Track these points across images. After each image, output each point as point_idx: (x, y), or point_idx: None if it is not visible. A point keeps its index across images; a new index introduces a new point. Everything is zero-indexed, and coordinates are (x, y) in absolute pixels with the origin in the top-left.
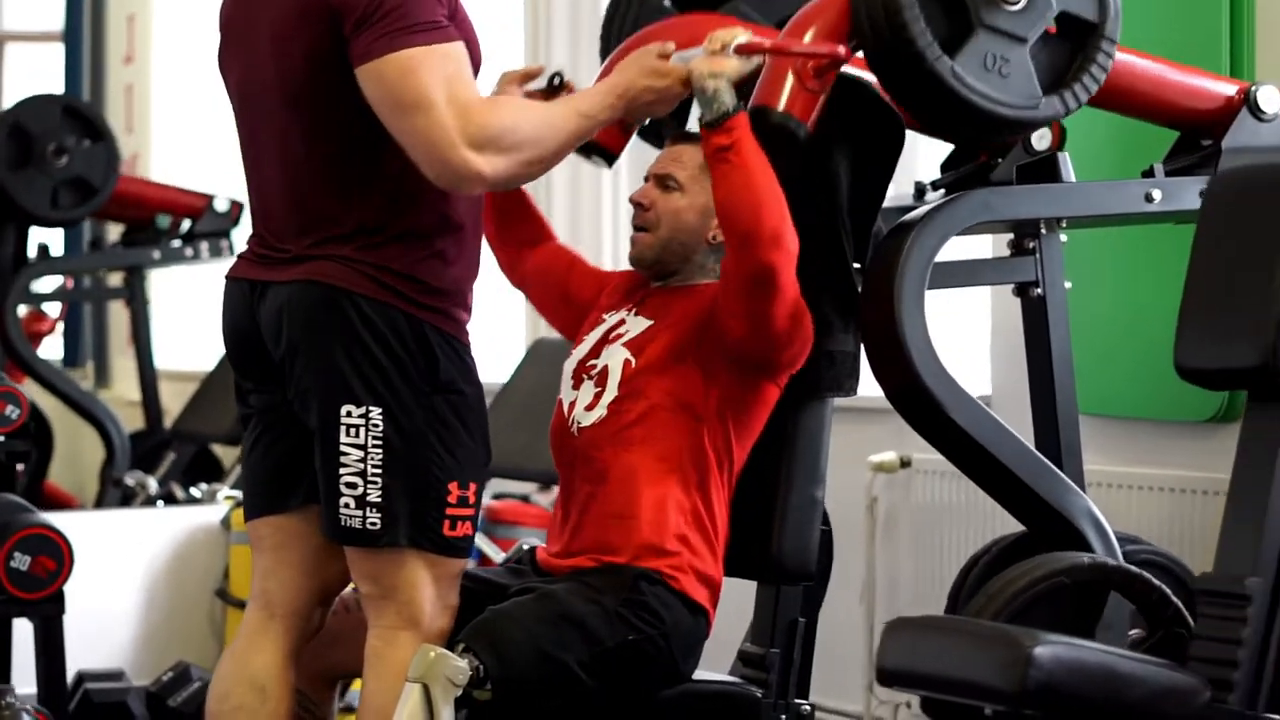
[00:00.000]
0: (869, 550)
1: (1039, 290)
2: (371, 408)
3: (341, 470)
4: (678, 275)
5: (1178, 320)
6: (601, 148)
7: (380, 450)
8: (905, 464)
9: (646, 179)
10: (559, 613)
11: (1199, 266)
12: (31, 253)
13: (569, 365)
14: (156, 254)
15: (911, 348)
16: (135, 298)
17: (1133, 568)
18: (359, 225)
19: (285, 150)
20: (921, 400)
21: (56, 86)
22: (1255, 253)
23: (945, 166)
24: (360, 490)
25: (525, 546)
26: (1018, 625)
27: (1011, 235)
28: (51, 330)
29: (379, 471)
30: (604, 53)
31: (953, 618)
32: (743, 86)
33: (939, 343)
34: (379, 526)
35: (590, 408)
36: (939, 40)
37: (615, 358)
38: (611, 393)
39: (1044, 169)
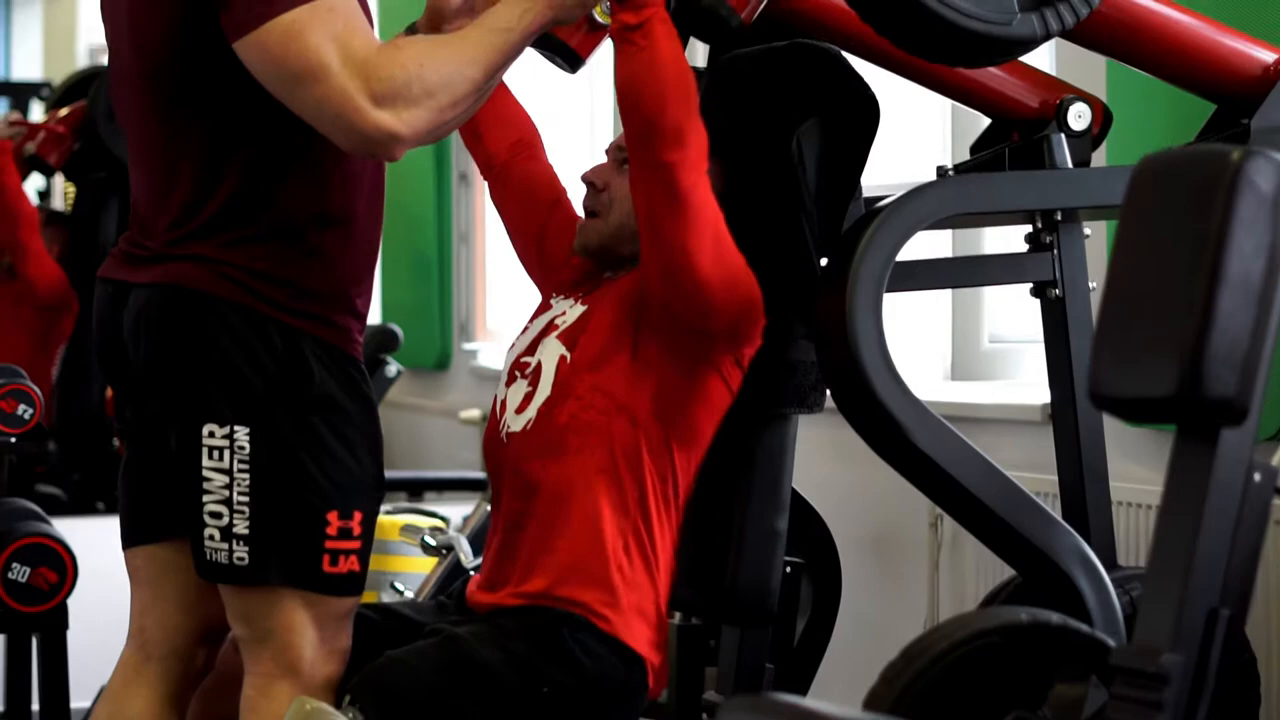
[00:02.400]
0: (932, 574)
1: (1058, 291)
2: (236, 427)
3: (205, 498)
4: (630, 264)
5: (1093, 338)
6: (564, 45)
7: (247, 475)
8: None
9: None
10: (462, 660)
11: (1115, 273)
12: None
13: (508, 357)
14: None
15: (865, 359)
16: None
17: (1083, 628)
18: (219, 220)
19: (146, 135)
20: (876, 419)
21: None
22: (1177, 257)
23: (976, 148)
24: (225, 520)
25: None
26: (927, 699)
27: (1029, 228)
28: None
29: (246, 499)
30: None
31: (795, 701)
32: None
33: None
34: (247, 562)
35: (520, 410)
36: None
37: (550, 353)
38: (544, 393)
39: (1036, 153)
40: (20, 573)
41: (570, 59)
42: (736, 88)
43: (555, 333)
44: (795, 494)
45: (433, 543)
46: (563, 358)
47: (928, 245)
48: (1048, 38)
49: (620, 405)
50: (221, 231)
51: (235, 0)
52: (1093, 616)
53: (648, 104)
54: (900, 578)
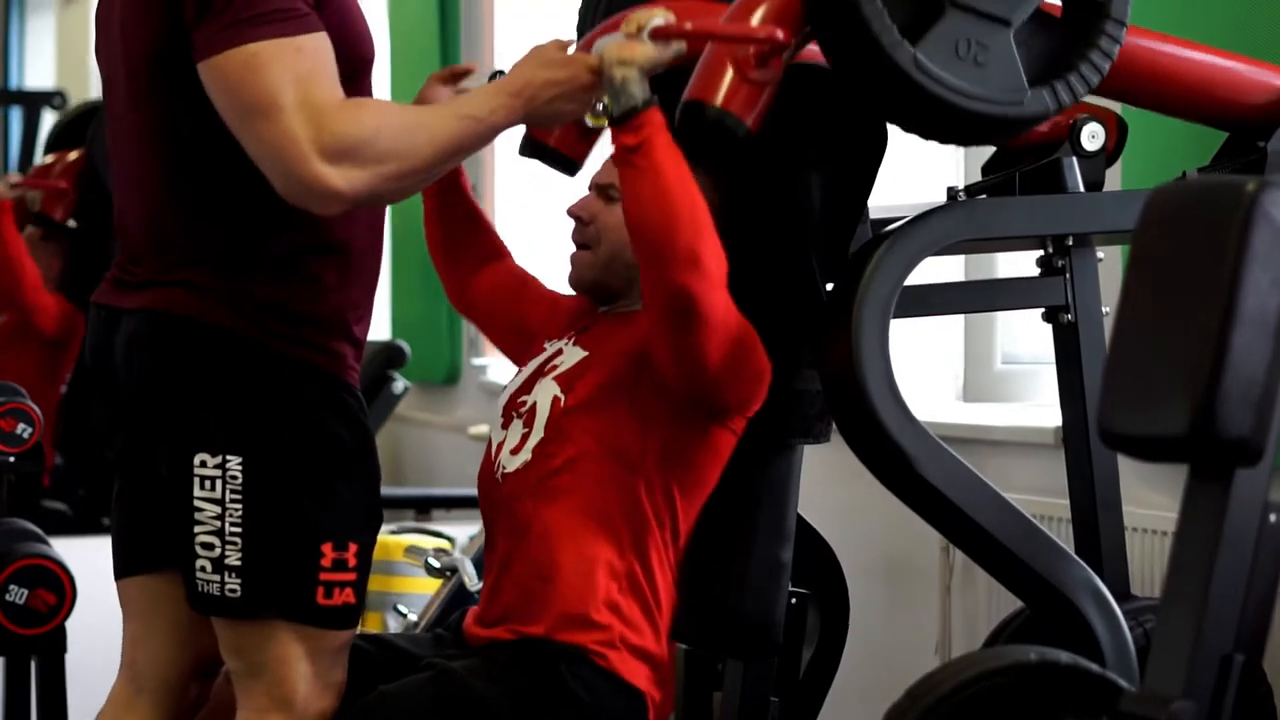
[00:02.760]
0: (944, 600)
1: (1070, 316)
2: (229, 456)
3: (196, 529)
4: (624, 299)
5: (1103, 374)
6: (557, 153)
7: (240, 505)
8: None
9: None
10: (456, 695)
11: (1126, 309)
12: None
13: (502, 399)
14: None
15: (871, 388)
16: None
17: (1093, 668)
18: (214, 247)
19: (136, 158)
20: (881, 449)
21: None
22: (1190, 292)
23: (988, 169)
24: (218, 552)
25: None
26: None
27: (1040, 252)
28: None
29: (239, 530)
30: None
31: None
32: (679, 78)
33: None
34: (239, 594)
35: (516, 451)
36: (902, 22)
37: (545, 394)
38: (538, 434)
39: (1048, 176)
40: (18, 594)
41: (564, 165)
42: None
43: (553, 374)
44: (802, 522)
45: (437, 564)
46: (556, 399)
47: (940, 268)
48: (1060, 110)
49: (616, 452)
50: (219, 259)
51: (206, 22)
52: (1104, 651)
53: (655, 229)
54: (911, 604)
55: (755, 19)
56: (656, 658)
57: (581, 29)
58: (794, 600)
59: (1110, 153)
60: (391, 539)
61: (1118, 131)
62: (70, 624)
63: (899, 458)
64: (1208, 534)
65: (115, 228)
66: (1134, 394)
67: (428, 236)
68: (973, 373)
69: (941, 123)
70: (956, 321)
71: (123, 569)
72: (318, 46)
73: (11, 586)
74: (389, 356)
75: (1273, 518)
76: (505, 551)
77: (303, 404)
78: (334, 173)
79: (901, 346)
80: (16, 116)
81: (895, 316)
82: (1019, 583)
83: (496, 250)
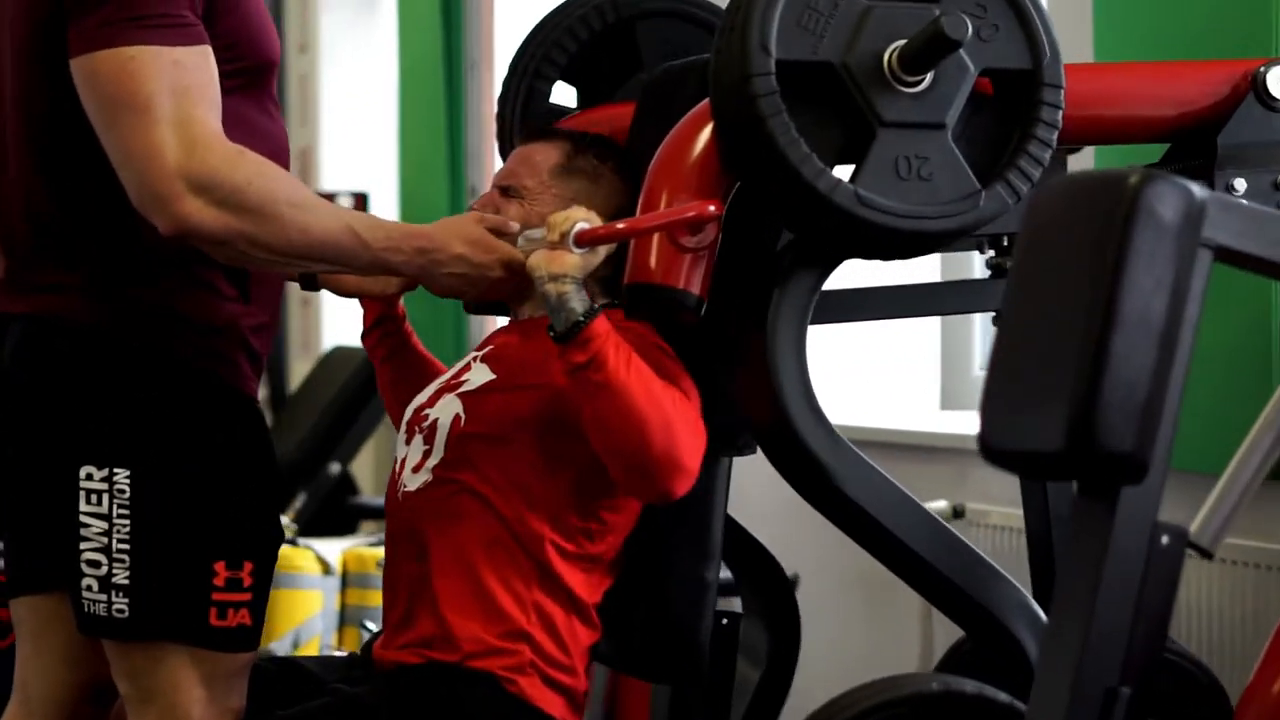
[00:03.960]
0: (924, 610)
1: None
2: (116, 469)
3: (82, 545)
4: (527, 304)
5: (984, 384)
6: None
7: (127, 521)
8: (959, 514)
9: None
10: None
11: (1008, 313)
12: None
13: (407, 413)
14: None
15: (786, 398)
16: None
17: (1000, 697)
18: (97, 246)
19: (18, 150)
20: (799, 462)
21: None
22: (1072, 295)
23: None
24: (104, 570)
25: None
26: None
27: (991, 253)
28: None
29: (126, 547)
30: (503, 155)
31: None
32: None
33: None
34: (127, 614)
35: (416, 469)
36: (832, 159)
37: (447, 411)
38: (438, 453)
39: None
40: None
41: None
42: (672, 103)
43: (457, 390)
44: (747, 536)
45: None
46: (458, 417)
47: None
48: (1021, 199)
49: (521, 485)
50: (104, 261)
51: (83, 17)
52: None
53: (626, 442)
54: (892, 613)
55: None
56: (573, 686)
57: (500, 118)
58: (724, 620)
59: None
60: (368, 550)
61: None
62: None
63: (815, 470)
64: (1091, 558)
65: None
66: (1013, 407)
67: (382, 394)
68: (950, 379)
69: (899, 246)
70: (934, 328)
71: (13, 588)
72: (199, 64)
73: None
74: None
75: (1164, 539)
76: (409, 575)
77: (194, 415)
78: (191, 201)
79: (878, 353)
80: None
81: (819, 321)
82: (948, 603)
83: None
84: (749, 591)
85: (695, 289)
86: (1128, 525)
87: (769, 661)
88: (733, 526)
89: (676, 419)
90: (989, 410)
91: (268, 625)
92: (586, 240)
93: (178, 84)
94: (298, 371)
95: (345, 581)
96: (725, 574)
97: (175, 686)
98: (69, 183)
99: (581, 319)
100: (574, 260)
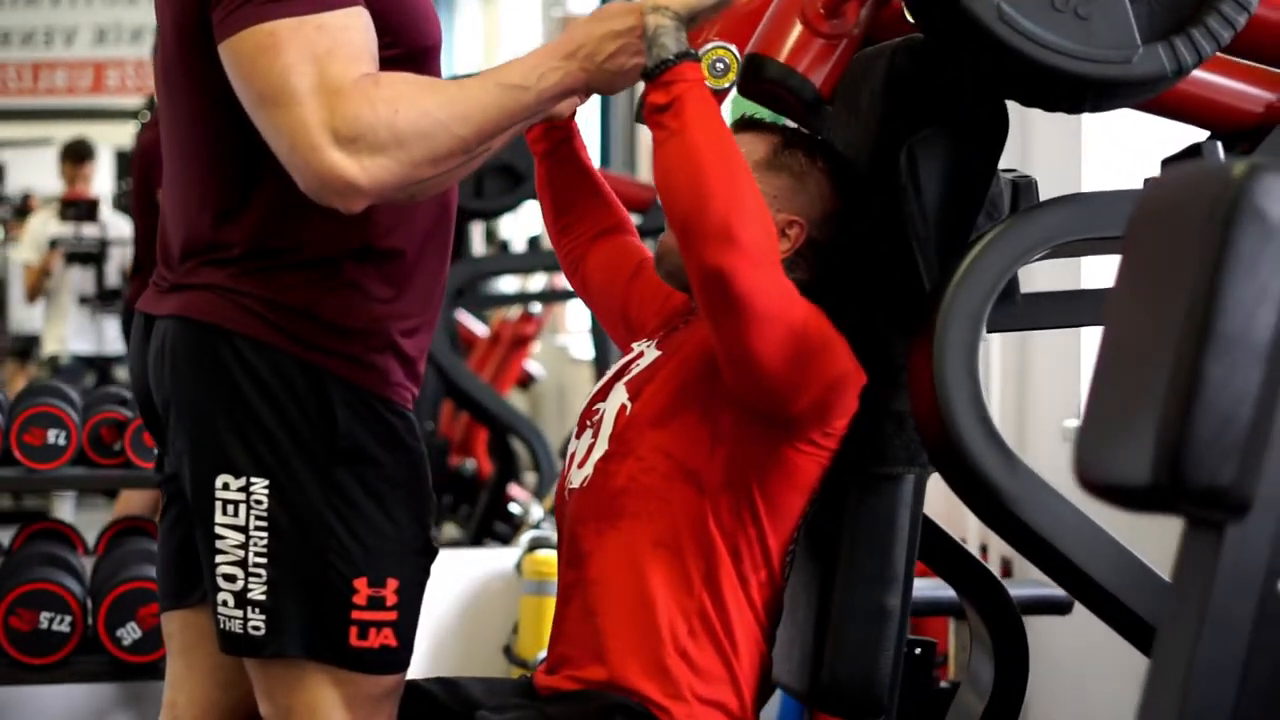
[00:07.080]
0: None
1: None
2: (253, 479)
3: (218, 558)
4: None
5: (1084, 409)
6: None
7: (265, 534)
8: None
9: None
10: None
11: (1109, 324)
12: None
13: (585, 407)
14: None
15: (955, 412)
16: None
17: None
18: (241, 245)
19: (170, 149)
20: (972, 483)
21: None
22: (1167, 304)
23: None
24: (240, 584)
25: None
26: None
27: None
28: (536, 333)
29: (263, 561)
30: None
31: None
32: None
33: None
34: (263, 631)
35: (581, 464)
36: None
37: (614, 401)
38: (601, 447)
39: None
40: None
41: None
42: (859, 92)
43: (625, 378)
44: (969, 559)
45: None
46: (623, 407)
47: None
48: (1180, 74)
49: (686, 470)
50: (246, 259)
51: (222, 2)
52: None
53: (684, 199)
54: None
55: None
56: (735, 709)
57: None
58: (917, 650)
59: None
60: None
61: None
62: None
63: (989, 494)
64: (1194, 603)
65: (159, 227)
66: (1105, 432)
67: (540, 201)
68: None
69: (1036, 85)
70: None
71: (166, 602)
72: (345, 24)
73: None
74: None
75: None
76: (567, 584)
77: (333, 423)
78: (349, 161)
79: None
80: None
81: (998, 330)
82: (1138, 638)
83: (614, 223)
84: (974, 617)
85: (815, 81)
86: (1232, 568)
87: (993, 693)
88: (954, 549)
89: (745, 195)
90: (1084, 436)
91: (533, 638)
92: None
93: (317, 49)
94: None
95: None
96: (947, 591)
97: (314, 708)
98: (217, 178)
99: (670, 58)
100: None
